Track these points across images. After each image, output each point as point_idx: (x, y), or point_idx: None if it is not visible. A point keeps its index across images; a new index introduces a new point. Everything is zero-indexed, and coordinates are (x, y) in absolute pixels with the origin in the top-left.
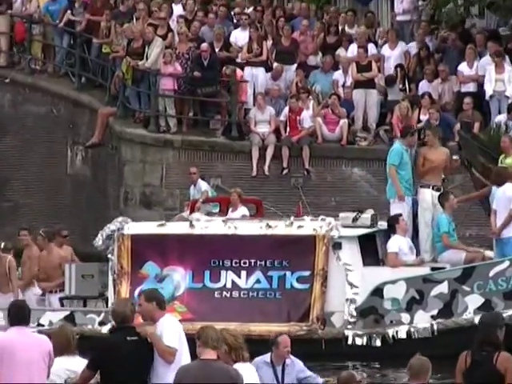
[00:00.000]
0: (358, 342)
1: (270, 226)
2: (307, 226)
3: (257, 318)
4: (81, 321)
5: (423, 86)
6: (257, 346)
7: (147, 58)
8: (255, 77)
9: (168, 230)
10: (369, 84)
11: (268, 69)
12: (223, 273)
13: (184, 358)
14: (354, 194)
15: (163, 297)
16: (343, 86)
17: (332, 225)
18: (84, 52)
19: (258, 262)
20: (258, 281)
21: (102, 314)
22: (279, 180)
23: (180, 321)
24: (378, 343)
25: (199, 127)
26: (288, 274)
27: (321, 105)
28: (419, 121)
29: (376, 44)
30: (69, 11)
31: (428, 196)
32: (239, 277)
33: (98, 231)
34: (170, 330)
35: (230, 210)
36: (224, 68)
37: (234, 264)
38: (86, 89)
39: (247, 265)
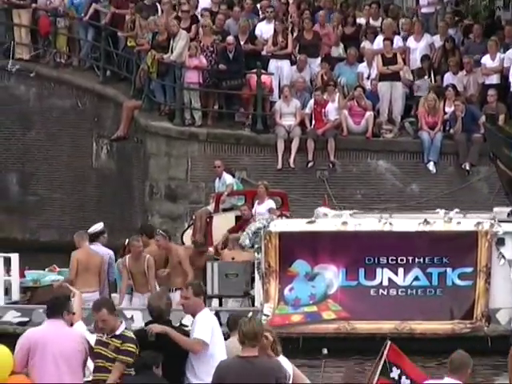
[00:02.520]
0: None
1: (428, 223)
2: (466, 221)
3: (416, 315)
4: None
5: (448, 78)
6: (419, 344)
7: (172, 51)
8: (280, 69)
9: (318, 228)
10: (394, 76)
11: (293, 62)
12: (379, 270)
13: (218, 352)
14: (380, 187)
15: (206, 291)
16: (368, 78)
17: (494, 220)
18: (109, 45)
19: (416, 259)
20: (416, 278)
21: (250, 314)
22: (304, 173)
23: (335, 319)
24: None
25: (224, 120)
26: (449, 270)
27: (347, 97)
28: (444, 113)
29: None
30: (94, 4)
31: None
32: (396, 274)
33: (123, 225)
34: (202, 323)
35: (256, 202)
36: None
37: (390, 261)
38: (111, 82)
39: (404, 262)
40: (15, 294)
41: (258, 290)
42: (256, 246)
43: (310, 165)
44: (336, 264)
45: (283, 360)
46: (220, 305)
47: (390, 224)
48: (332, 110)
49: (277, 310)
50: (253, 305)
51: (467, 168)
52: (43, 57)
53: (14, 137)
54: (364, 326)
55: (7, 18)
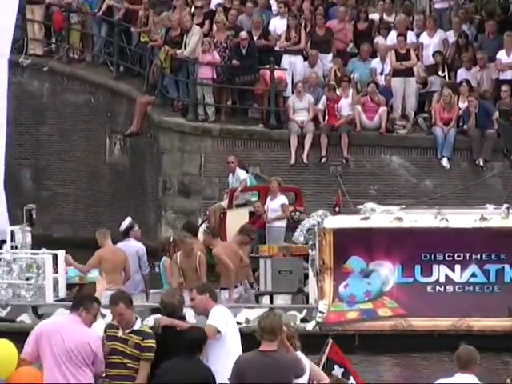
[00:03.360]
0: None
1: (485, 219)
2: None
3: (474, 312)
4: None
5: (461, 73)
6: (477, 341)
7: (185, 47)
8: (293, 65)
9: (373, 224)
10: (407, 72)
11: (305, 57)
12: (435, 267)
13: (234, 347)
14: (393, 182)
15: (215, 289)
16: (381, 73)
17: None
18: (122, 41)
19: (473, 256)
20: (473, 274)
21: (305, 311)
22: (318, 168)
23: (391, 316)
24: None
25: (237, 116)
26: (506, 267)
27: (361, 93)
28: (458, 108)
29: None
30: (107, 0)
31: None
32: (453, 271)
33: (136, 220)
34: (216, 314)
35: (269, 198)
36: None
37: (446, 258)
38: (125, 78)
39: (461, 258)
40: (62, 291)
41: (312, 287)
42: (310, 242)
43: (323, 160)
44: (391, 260)
45: (300, 356)
46: (271, 302)
47: (447, 220)
48: (345, 106)
49: (332, 307)
50: (307, 302)
51: (481, 164)
52: (56, 52)
53: (28, 132)
54: (421, 323)
55: (21, 14)
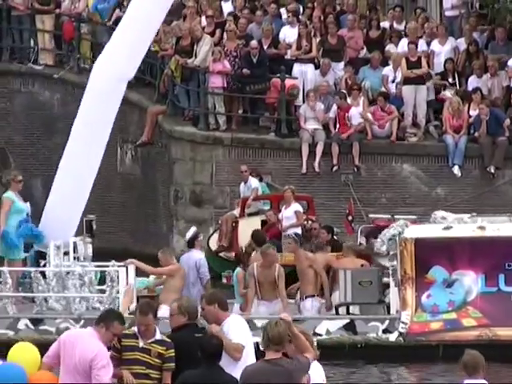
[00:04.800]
0: None
1: None
2: None
3: None
4: (362, 329)
5: (472, 81)
6: None
7: (196, 56)
8: (304, 74)
9: (456, 233)
10: (418, 80)
11: (317, 66)
12: None
13: (250, 357)
14: (405, 190)
15: (225, 298)
16: (393, 81)
17: None
18: None
19: None
20: None
21: (387, 322)
22: (329, 177)
23: (476, 326)
24: None
25: (249, 124)
26: None
27: (371, 104)
28: (469, 116)
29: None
30: (117, 10)
31: None
32: None
33: (148, 230)
34: (236, 329)
35: (284, 207)
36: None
37: None
38: (135, 87)
39: None
40: (133, 304)
41: (393, 298)
42: (391, 252)
43: (334, 169)
44: (474, 270)
45: (315, 365)
46: (347, 313)
47: None
48: (355, 114)
49: (415, 318)
50: (388, 312)
51: (492, 171)
52: (67, 62)
53: (39, 142)
54: (507, 333)
55: (31, 24)
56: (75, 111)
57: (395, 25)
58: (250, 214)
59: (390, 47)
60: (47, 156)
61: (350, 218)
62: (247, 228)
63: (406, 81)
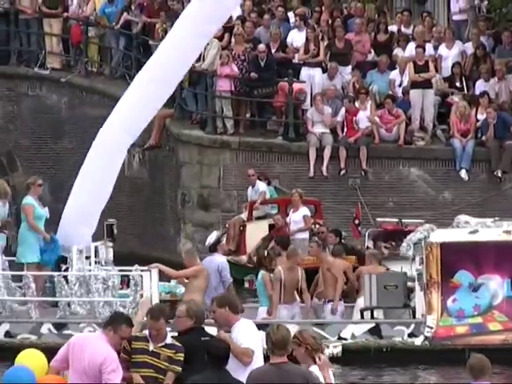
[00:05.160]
0: None
1: None
2: None
3: None
4: (388, 333)
5: (480, 85)
6: None
7: (204, 60)
8: (312, 78)
9: (482, 238)
10: (426, 84)
11: (324, 70)
12: None
13: (259, 361)
14: (412, 194)
15: (236, 301)
16: (400, 85)
17: None
18: (140, 54)
19: None
20: None
21: (412, 326)
22: (337, 181)
23: (502, 330)
24: None
25: (256, 128)
26: None
27: (379, 107)
28: (477, 120)
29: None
30: (125, 13)
31: None
32: None
33: (155, 233)
34: (246, 333)
35: (291, 210)
36: None
37: None
38: None
39: None
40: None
41: (419, 302)
42: (417, 257)
43: (342, 173)
44: (500, 274)
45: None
46: (372, 317)
47: None
48: (363, 118)
49: (440, 322)
50: (413, 316)
51: (499, 175)
52: (75, 66)
53: (46, 146)
54: None
55: (38, 28)
56: (83, 115)
57: (403, 29)
58: (258, 218)
59: (397, 51)
60: (54, 159)
61: (356, 221)
62: (255, 232)
63: (414, 85)
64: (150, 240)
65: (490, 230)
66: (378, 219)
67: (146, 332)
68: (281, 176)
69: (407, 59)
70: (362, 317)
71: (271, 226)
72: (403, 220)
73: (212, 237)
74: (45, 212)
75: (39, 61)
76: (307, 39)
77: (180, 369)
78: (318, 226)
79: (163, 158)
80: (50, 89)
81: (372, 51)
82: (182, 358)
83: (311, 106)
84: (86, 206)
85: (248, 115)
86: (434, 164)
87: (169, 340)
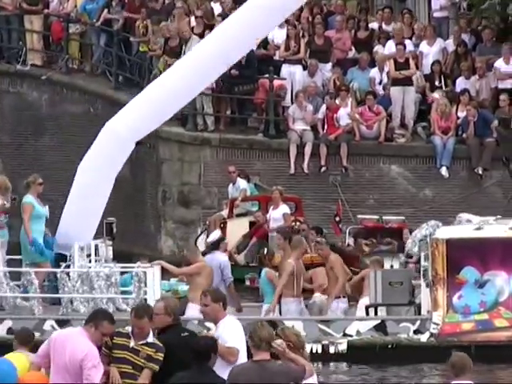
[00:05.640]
0: None
1: None
2: None
3: None
4: (393, 330)
5: (460, 82)
6: None
7: None
8: (292, 74)
9: (487, 234)
10: (406, 81)
11: (305, 67)
12: None
13: (243, 359)
14: (392, 192)
15: (226, 297)
16: (380, 83)
17: None
18: (121, 51)
19: None
20: None
21: (418, 322)
22: (317, 178)
23: (508, 327)
24: None
25: (237, 125)
26: None
27: (359, 104)
28: (457, 117)
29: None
30: (106, 10)
31: None
32: None
33: (136, 230)
34: (232, 331)
35: (271, 208)
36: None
37: None
38: (124, 87)
39: None
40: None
41: (425, 298)
42: (422, 253)
43: (322, 170)
44: (506, 270)
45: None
46: (375, 314)
47: None
48: (344, 115)
49: (446, 319)
50: (419, 313)
51: (480, 172)
52: (55, 62)
53: (27, 143)
54: None
55: (19, 24)
56: (63, 111)
57: (384, 26)
58: (239, 215)
59: (378, 48)
60: (35, 156)
61: (337, 218)
62: (235, 229)
63: (394, 82)
64: (131, 237)
65: (495, 227)
66: (359, 216)
67: (129, 328)
68: (261, 173)
69: (387, 56)
70: (367, 313)
71: (252, 223)
72: (384, 217)
73: (215, 235)
74: (45, 211)
75: (20, 57)
76: (288, 36)
77: (157, 367)
78: (298, 223)
79: (144, 155)
80: (31, 85)
81: (353, 48)
82: (161, 358)
83: (292, 102)
84: (85, 209)
85: (228, 112)
86: (414, 161)
87: (150, 339)
